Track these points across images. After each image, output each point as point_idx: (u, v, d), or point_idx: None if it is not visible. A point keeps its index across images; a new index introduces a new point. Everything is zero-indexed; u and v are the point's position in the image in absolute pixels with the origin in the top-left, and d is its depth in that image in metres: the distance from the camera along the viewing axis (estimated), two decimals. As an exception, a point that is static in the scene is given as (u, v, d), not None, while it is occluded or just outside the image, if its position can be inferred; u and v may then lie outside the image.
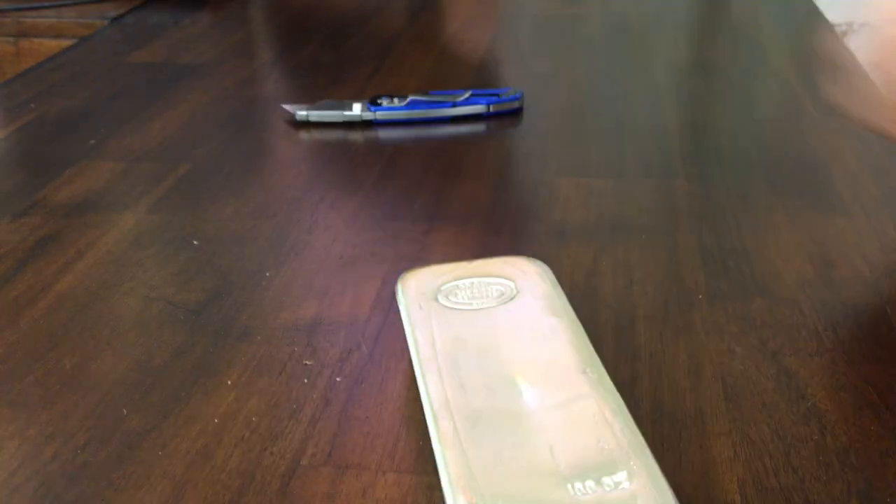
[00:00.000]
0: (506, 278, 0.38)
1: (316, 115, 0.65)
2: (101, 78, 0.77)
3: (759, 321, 0.41)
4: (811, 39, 0.81)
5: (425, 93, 0.67)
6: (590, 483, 0.27)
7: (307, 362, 0.39)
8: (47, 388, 0.38)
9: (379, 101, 0.65)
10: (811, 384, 0.37)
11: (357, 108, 0.65)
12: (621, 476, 0.27)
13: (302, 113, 0.65)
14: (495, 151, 0.60)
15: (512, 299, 0.36)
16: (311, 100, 0.70)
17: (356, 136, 0.63)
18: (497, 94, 0.66)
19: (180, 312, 0.43)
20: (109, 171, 0.59)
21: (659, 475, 0.27)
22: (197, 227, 0.51)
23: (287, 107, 0.67)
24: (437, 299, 0.37)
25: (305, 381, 0.38)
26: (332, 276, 0.46)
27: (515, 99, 0.66)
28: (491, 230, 0.50)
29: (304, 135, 0.64)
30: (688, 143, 0.60)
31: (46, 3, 1.02)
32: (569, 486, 0.27)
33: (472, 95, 0.66)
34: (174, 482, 0.33)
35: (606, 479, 0.27)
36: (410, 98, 0.65)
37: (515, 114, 0.66)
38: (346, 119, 0.65)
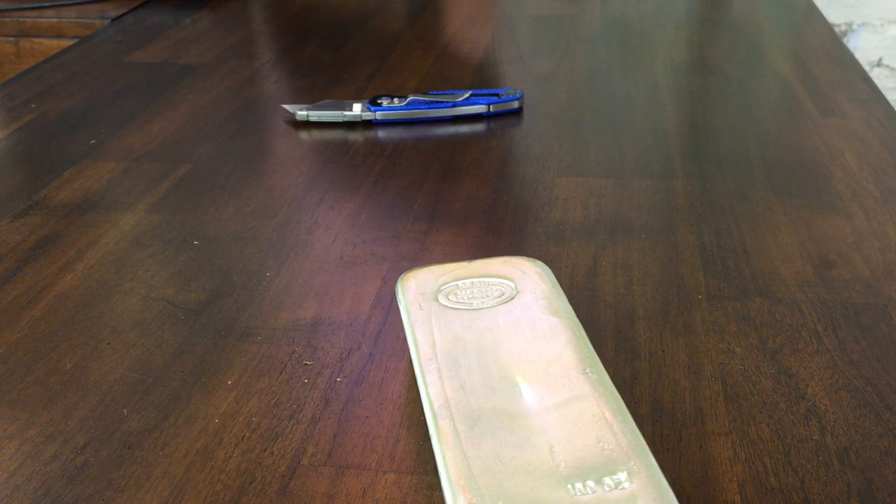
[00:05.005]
0: (506, 278, 0.38)
1: (316, 115, 0.65)
2: (101, 78, 0.77)
3: (759, 321, 0.41)
4: (811, 39, 0.81)
5: (425, 93, 0.67)
6: (590, 483, 0.27)
7: (307, 362, 0.39)
8: (47, 388, 0.38)
9: (379, 101, 0.65)
10: (811, 384, 0.37)
11: (357, 108, 0.65)
12: (621, 476, 0.27)
13: (302, 113, 0.65)
14: (495, 151, 0.60)
15: (512, 299, 0.36)
16: (311, 100, 0.70)
17: (356, 136, 0.63)
18: (497, 94, 0.66)
19: (180, 312, 0.43)
20: (109, 171, 0.59)
21: (659, 475, 0.27)
22: (197, 227, 0.51)
23: (287, 107, 0.67)
24: (437, 299, 0.37)
25: (305, 381, 0.38)
26: (332, 276, 0.46)
27: (515, 99, 0.66)
28: (491, 230, 0.50)
29: (304, 135, 0.64)
30: (688, 143, 0.60)
31: (46, 3, 1.02)
32: (569, 486, 0.27)
33: (472, 95, 0.66)
34: (174, 482, 0.33)
35: (606, 479, 0.27)
36: (410, 98, 0.65)
37: (515, 114, 0.66)
38: (346, 119, 0.65)
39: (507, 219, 0.51)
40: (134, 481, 0.33)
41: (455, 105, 0.65)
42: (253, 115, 0.67)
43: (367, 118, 0.65)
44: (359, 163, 0.59)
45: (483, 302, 0.36)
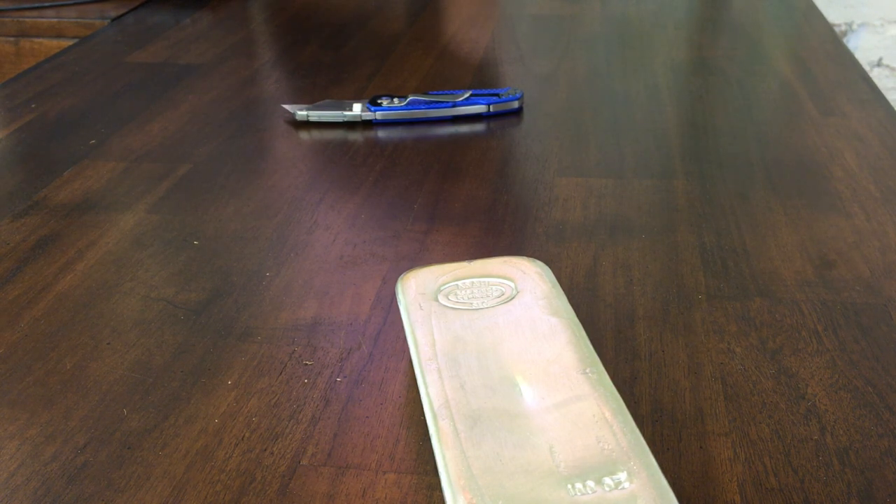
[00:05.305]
0: (506, 278, 0.38)
1: (316, 115, 0.65)
2: (101, 78, 0.77)
3: (759, 321, 0.41)
4: (811, 39, 0.81)
5: (425, 93, 0.67)
6: (590, 483, 0.27)
7: (307, 362, 0.39)
8: (47, 388, 0.38)
9: (379, 101, 0.65)
10: (811, 384, 0.37)
11: (357, 108, 0.65)
12: (621, 476, 0.27)
13: (302, 113, 0.65)
14: (495, 151, 0.60)
15: (512, 299, 0.36)
16: (311, 100, 0.70)
17: (356, 136, 0.63)
18: (497, 94, 0.66)
19: (180, 312, 0.43)
20: (109, 171, 0.59)
21: (659, 475, 0.27)
22: (197, 227, 0.51)
23: (287, 107, 0.67)
24: (437, 299, 0.37)
25: (305, 381, 0.38)
26: (332, 276, 0.46)
27: (515, 99, 0.66)
28: (491, 230, 0.50)
29: (304, 135, 0.64)
30: (688, 143, 0.60)
31: (46, 3, 1.02)
32: (569, 486, 0.27)
33: (472, 95, 0.66)
34: (174, 482, 0.33)
35: (606, 479, 0.27)
36: (410, 98, 0.65)
37: (515, 114, 0.66)
38: (346, 119, 0.65)
39: (507, 219, 0.51)
40: (134, 481, 0.33)
41: (455, 105, 0.65)
42: (253, 115, 0.67)
43: (367, 118, 0.65)
44: (359, 163, 0.59)
45: (483, 302, 0.36)
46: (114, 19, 0.96)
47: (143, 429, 0.36)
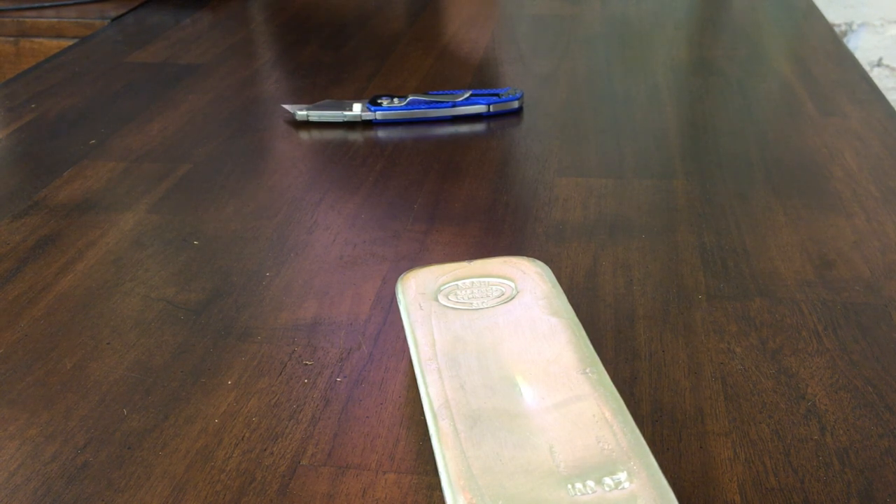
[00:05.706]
0: (506, 278, 0.38)
1: (316, 115, 0.65)
2: (101, 78, 0.77)
3: (759, 321, 0.41)
4: (811, 39, 0.81)
5: (425, 93, 0.67)
6: (590, 483, 0.27)
7: (307, 362, 0.39)
8: (47, 388, 0.38)
9: (379, 101, 0.65)
10: (811, 384, 0.37)
11: (357, 108, 0.65)
12: (621, 476, 0.27)
13: (302, 113, 0.65)
14: (495, 151, 0.60)
15: (512, 299, 0.36)
16: (311, 100, 0.70)
17: (356, 136, 0.63)
18: (497, 94, 0.66)
19: (180, 312, 0.43)
20: (109, 171, 0.59)
21: (659, 475, 0.27)
22: (197, 227, 0.51)
23: (287, 107, 0.67)
24: (437, 299, 0.37)
25: (305, 381, 0.38)
26: (332, 276, 0.46)
27: (515, 99, 0.66)
28: (491, 230, 0.50)
29: (304, 135, 0.64)
30: (688, 143, 0.60)
31: (46, 3, 1.02)
32: (569, 486, 0.27)
33: (472, 95, 0.66)
34: (174, 482, 0.33)
35: (606, 479, 0.27)
36: (410, 98, 0.65)
37: (515, 114, 0.66)
38: (346, 119, 0.65)
39: (507, 219, 0.51)
40: (134, 481, 0.33)
41: (455, 105, 0.65)
42: (253, 115, 0.67)
43: (367, 118, 0.65)
44: (359, 163, 0.59)
45: (483, 302, 0.36)
46: (114, 19, 0.96)
47: (143, 429, 0.36)
